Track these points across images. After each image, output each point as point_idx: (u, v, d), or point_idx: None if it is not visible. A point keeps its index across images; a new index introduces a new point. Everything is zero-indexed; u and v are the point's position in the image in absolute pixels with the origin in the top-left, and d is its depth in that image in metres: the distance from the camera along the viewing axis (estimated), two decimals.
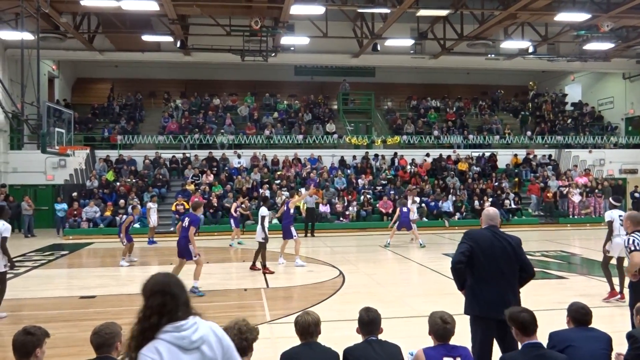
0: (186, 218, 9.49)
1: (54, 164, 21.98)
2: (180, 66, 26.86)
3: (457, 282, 4.71)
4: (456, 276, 4.67)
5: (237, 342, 3.26)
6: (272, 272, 11.35)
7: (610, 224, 8.55)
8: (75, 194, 20.37)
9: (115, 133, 24.00)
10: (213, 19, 20.50)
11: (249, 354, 3.39)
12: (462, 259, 4.54)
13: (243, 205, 17.54)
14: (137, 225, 19.11)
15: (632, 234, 5.30)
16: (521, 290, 4.65)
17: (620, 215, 8.29)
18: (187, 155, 23.50)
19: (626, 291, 6.40)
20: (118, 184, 21.20)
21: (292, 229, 12.28)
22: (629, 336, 3.90)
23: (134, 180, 21.54)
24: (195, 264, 9.37)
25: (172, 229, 19.28)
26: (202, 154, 23.66)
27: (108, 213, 19.67)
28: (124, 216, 14.40)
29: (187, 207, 19.99)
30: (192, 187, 21.36)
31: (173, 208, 19.83)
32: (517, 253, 4.59)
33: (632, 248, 5.27)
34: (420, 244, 15.52)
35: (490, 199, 21.49)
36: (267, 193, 20.97)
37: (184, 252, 9.34)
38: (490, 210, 4.92)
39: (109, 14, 19.43)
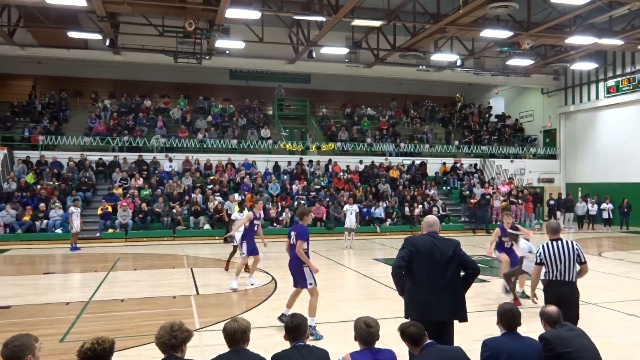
0: (292, 232, 7.21)
1: None
2: (110, 65, 25.81)
3: (398, 287, 4.85)
4: (396, 281, 4.81)
5: (167, 338, 3.31)
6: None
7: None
8: None
9: (36, 133, 22.70)
10: (145, 18, 19.89)
11: (179, 353, 3.43)
12: (402, 263, 4.69)
13: None
14: (59, 231, 18.21)
15: (545, 243, 5.59)
16: None
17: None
18: (116, 157, 22.62)
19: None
20: (39, 186, 20.05)
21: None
22: (542, 338, 4.15)
23: (56, 183, 20.45)
24: (310, 293, 7.12)
25: (97, 234, 18.54)
26: (132, 157, 22.86)
27: (27, 218, 18.55)
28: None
29: (110, 210, 19.25)
30: (120, 191, 20.60)
31: (99, 212, 19.06)
32: (458, 254, 4.79)
33: (537, 260, 5.59)
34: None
35: (420, 206, 22.27)
36: (200, 198, 20.60)
37: (297, 278, 7.18)
38: (430, 217, 5.15)
39: (32, 7, 18.40)
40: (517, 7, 16.94)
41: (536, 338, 4.15)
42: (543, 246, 5.57)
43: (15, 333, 3.33)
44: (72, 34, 20.22)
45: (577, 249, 5.53)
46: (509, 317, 4.14)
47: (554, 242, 5.55)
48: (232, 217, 12.65)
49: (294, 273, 7.21)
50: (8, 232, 18.11)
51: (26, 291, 10.19)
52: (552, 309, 4.35)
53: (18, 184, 20.09)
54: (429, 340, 3.89)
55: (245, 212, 11.74)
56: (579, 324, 4.83)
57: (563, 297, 5.30)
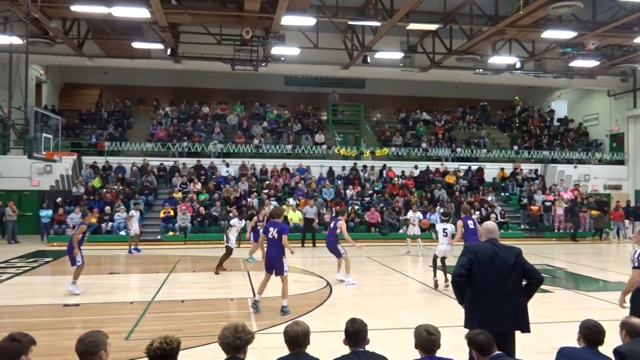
0: (270, 228, 8.60)
1: (40, 169, 21.74)
2: (170, 74, 26.80)
3: (458, 295, 4.77)
4: (456, 289, 4.73)
5: (231, 339, 3.39)
6: (220, 272, 12.66)
7: (436, 233, 11.25)
8: (59, 199, 20.13)
9: (102, 139, 23.83)
10: (204, 27, 20.53)
11: (242, 355, 3.49)
12: (462, 272, 4.60)
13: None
14: (122, 233, 18.97)
15: None
16: None
17: (444, 228, 10.94)
18: (175, 163, 23.39)
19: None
20: (104, 190, 21.02)
21: (339, 247, 11.53)
22: (616, 352, 3.92)
23: (120, 187, 21.36)
24: (282, 280, 8.52)
25: (159, 237, 19.21)
26: (190, 162, 23.57)
27: (94, 220, 19.44)
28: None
29: (172, 213, 19.91)
30: (179, 195, 21.25)
31: (161, 215, 19.76)
32: (519, 263, 4.65)
33: (635, 264, 5.36)
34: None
35: (477, 212, 21.69)
36: (255, 202, 20.95)
37: (275, 266, 8.53)
38: (489, 224, 5.04)
39: (99, 20, 19.39)
40: (582, 7, 16.30)
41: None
42: None
43: (84, 330, 3.49)
44: (136, 45, 21.17)
45: None
46: (593, 332, 3.92)
47: None
48: (231, 222, 13.39)
49: (274, 263, 8.52)
50: None
51: (93, 290, 10.68)
52: (636, 320, 4.10)
53: (86, 188, 21.15)
54: (497, 352, 3.74)
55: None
56: None
57: None
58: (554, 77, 25.94)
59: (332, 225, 11.88)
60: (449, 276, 10.62)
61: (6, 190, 21.55)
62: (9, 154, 22.25)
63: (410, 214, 17.42)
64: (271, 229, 8.60)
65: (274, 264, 8.54)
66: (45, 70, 26.05)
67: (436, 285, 10.83)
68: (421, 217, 17.20)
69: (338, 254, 11.54)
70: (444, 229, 10.95)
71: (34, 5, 15.04)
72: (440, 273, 11.02)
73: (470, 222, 10.70)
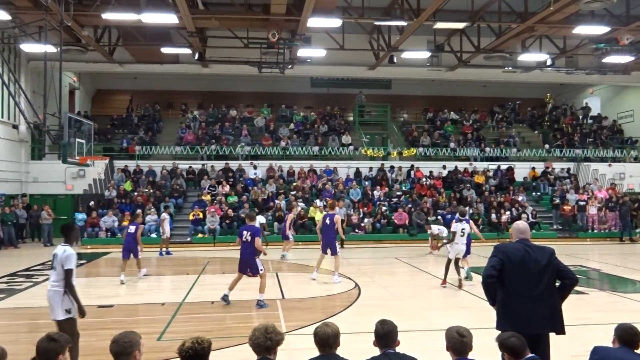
0: (244, 231, 9.24)
1: (74, 174, 22.32)
2: (198, 78, 27.18)
3: (489, 297, 4.67)
4: (487, 291, 4.64)
5: (262, 340, 3.42)
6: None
7: (454, 234, 11.02)
8: (92, 203, 20.60)
9: (133, 144, 24.30)
10: (231, 31, 20.75)
11: (272, 356, 3.51)
12: (493, 272, 4.51)
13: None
14: (153, 235, 19.29)
15: None
16: None
17: (462, 228, 10.96)
18: (204, 166, 23.68)
19: None
20: (135, 194, 21.42)
21: (337, 244, 11.85)
22: None
23: (151, 191, 21.74)
24: (260, 277, 9.17)
25: (188, 239, 19.47)
26: (219, 164, 23.83)
27: (126, 223, 19.82)
28: (132, 226, 13.17)
29: (201, 216, 20.16)
30: (208, 197, 21.50)
31: (190, 217, 20.03)
32: (553, 263, 4.54)
33: None
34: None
35: (507, 212, 21.34)
36: (283, 204, 21.03)
37: (249, 267, 9.18)
38: (520, 224, 4.91)
39: (129, 27, 19.80)
40: (615, 1, 15.85)
41: None
42: None
43: (118, 330, 3.55)
44: (165, 50, 21.57)
45: None
46: (629, 334, 3.85)
47: None
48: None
49: (248, 263, 9.11)
50: (109, 236, 19.49)
51: (126, 291, 10.90)
52: None
53: (117, 192, 21.59)
54: (530, 354, 3.66)
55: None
56: None
57: None
58: (586, 74, 25.36)
59: (328, 221, 11.72)
60: (456, 276, 11.20)
61: (42, 194, 22.22)
62: (44, 159, 22.93)
63: (434, 227, 17.27)
64: (245, 232, 9.16)
65: (248, 265, 9.11)
66: (78, 77, 26.74)
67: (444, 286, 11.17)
68: (444, 231, 16.79)
69: (335, 251, 11.63)
70: (462, 229, 11.02)
71: (67, 14, 15.45)
72: (453, 275, 11.31)
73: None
